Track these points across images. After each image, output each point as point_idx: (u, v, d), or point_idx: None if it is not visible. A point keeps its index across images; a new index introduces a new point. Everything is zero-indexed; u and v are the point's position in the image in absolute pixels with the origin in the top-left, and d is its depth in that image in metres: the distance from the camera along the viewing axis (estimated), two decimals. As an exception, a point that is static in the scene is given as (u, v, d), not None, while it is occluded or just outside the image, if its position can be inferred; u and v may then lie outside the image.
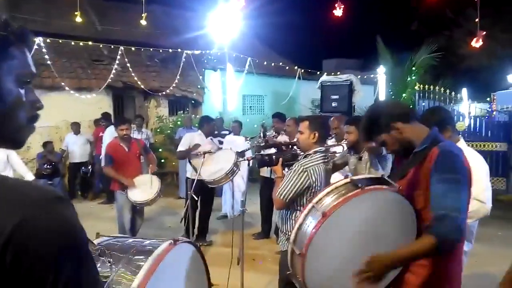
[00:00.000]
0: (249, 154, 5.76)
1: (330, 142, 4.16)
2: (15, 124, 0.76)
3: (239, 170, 4.62)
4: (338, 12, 6.62)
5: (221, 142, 6.16)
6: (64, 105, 8.75)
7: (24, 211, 0.61)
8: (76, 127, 8.46)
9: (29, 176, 5.36)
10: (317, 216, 1.62)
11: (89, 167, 8.45)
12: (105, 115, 8.50)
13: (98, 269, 1.14)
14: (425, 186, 1.68)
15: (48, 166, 7.75)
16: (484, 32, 7.92)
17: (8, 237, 0.59)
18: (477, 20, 7.98)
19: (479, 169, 2.44)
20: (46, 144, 7.92)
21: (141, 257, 1.21)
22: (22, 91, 0.77)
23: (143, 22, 7.35)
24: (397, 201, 1.70)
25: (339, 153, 3.77)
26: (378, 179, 1.80)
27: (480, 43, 7.80)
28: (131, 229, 4.82)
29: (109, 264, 1.20)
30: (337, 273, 1.66)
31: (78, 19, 7.58)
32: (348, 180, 1.73)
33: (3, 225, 0.60)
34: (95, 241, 1.34)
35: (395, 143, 1.82)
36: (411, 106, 2.05)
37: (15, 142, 0.79)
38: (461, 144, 2.60)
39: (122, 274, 1.16)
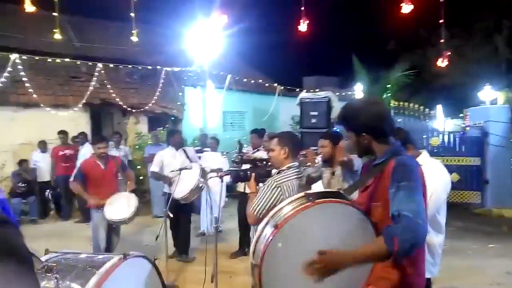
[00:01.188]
0: (224, 169, 5.78)
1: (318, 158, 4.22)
2: None
3: (205, 184, 4.64)
4: (303, 27, 6.76)
5: (199, 158, 6.16)
6: (41, 123, 8.60)
7: None
8: (43, 145, 8.23)
9: None
10: (271, 228, 1.68)
11: (57, 189, 8.19)
12: (82, 134, 8.38)
13: (45, 285, 1.13)
14: (384, 198, 1.71)
15: (22, 185, 7.57)
16: (449, 53, 8.25)
17: None
18: (442, 40, 8.30)
19: (437, 184, 2.52)
20: (21, 163, 7.74)
21: (91, 270, 1.20)
22: None
23: (134, 38, 7.39)
24: (351, 214, 1.73)
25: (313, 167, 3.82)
26: (333, 193, 1.85)
27: (446, 63, 8.10)
28: (107, 247, 4.71)
29: (56, 279, 1.18)
30: (295, 283, 1.69)
31: (57, 36, 7.53)
32: (302, 194, 1.76)
33: None
34: (43, 258, 1.32)
35: (358, 146, 1.88)
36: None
37: None
38: (424, 157, 2.70)
39: (70, 287, 1.14)
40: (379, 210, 1.74)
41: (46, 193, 8.20)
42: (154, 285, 1.50)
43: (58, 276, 1.18)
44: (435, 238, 2.62)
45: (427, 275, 2.16)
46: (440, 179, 2.62)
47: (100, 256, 1.34)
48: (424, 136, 8.98)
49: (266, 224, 1.73)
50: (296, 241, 1.68)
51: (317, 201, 1.66)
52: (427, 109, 9.96)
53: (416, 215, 1.55)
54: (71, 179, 4.83)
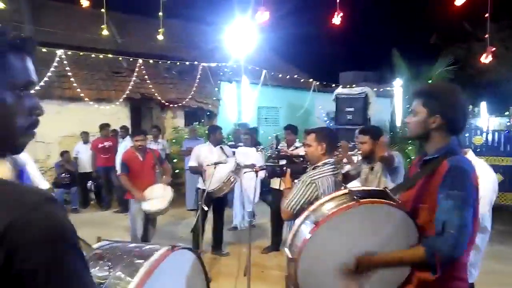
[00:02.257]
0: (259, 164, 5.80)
1: (354, 155, 4.17)
2: (10, 132, 0.79)
3: (238, 178, 4.68)
4: (337, 20, 6.60)
5: (233, 153, 6.22)
6: (84, 116, 8.99)
7: (14, 212, 0.65)
8: (85, 136, 8.56)
9: (44, 185, 5.49)
10: (311, 224, 1.66)
11: (99, 180, 8.51)
12: (124, 128, 8.69)
13: (96, 272, 1.20)
14: (431, 202, 1.64)
15: (66, 175, 7.95)
16: (494, 49, 7.79)
17: (3, 233, 0.63)
18: (486, 35, 7.86)
19: (486, 184, 2.41)
20: (63, 154, 8.11)
21: (139, 261, 1.25)
22: (18, 99, 0.80)
23: (160, 37, 7.55)
24: (396, 216, 1.67)
25: (352, 164, 3.78)
26: (379, 192, 1.78)
27: (490, 59, 7.67)
28: (143, 237, 4.89)
29: (107, 267, 1.24)
30: (329, 280, 1.68)
31: (105, 32, 7.82)
32: (346, 191, 1.73)
33: None
34: (96, 245, 1.39)
35: (421, 127, 1.73)
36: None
37: (11, 148, 0.82)
38: (470, 157, 2.58)
39: (120, 277, 1.20)
40: (425, 213, 1.68)
41: (88, 184, 8.54)
42: (198, 277, 1.55)
43: (110, 263, 1.24)
44: (477, 239, 2.52)
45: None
46: (489, 180, 2.52)
47: (148, 247, 1.40)
48: (467, 135, 8.61)
49: (305, 218, 1.72)
50: (335, 240, 1.66)
51: (362, 201, 1.62)
52: (470, 106, 9.53)
53: (461, 233, 1.54)
54: (118, 172, 5.02)
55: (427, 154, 1.77)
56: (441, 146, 1.70)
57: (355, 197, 1.63)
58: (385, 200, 1.68)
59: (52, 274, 0.67)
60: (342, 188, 1.95)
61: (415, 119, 1.75)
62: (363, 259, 1.59)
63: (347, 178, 3.37)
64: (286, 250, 1.75)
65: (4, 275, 0.63)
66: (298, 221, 1.76)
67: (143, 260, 1.26)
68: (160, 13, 7.29)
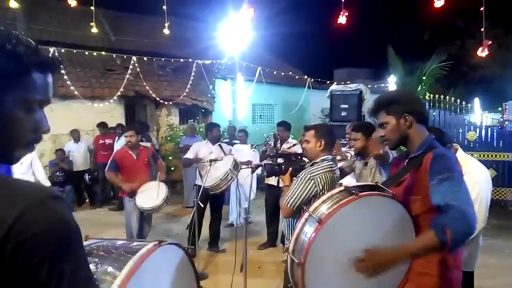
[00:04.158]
0: (256, 162, 5.79)
1: (344, 149, 4.18)
2: (11, 144, 0.81)
3: (236, 176, 4.68)
4: (342, 19, 6.62)
5: (230, 151, 6.22)
6: (77, 114, 8.95)
7: (22, 207, 0.67)
8: (76, 135, 8.48)
9: (46, 183, 5.48)
10: (314, 224, 1.63)
11: (95, 174, 8.46)
12: (120, 126, 8.64)
13: None
14: (422, 192, 1.69)
15: (60, 174, 7.90)
16: (490, 42, 7.82)
17: (8, 230, 0.65)
18: (482, 29, 7.92)
19: (479, 176, 2.44)
20: (57, 152, 8.05)
21: (126, 256, 1.26)
22: (28, 115, 0.81)
23: (166, 31, 7.55)
24: (393, 207, 1.71)
25: (346, 160, 3.79)
26: (372, 186, 1.80)
27: (486, 52, 7.71)
28: (138, 235, 4.88)
29: (95, 263, 1.25)
30: (338, 280, 1.67)
31: (94, 29, 7.77)
32: (342, 188, 1.74)
33: (3, 219, 0.65)
34: (84, 243, 1.40)
35: (396, 132, 1.82)
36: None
37: (5, 160, 0.83)
38: (459, 154, 2.62)
39: (107, 272, 1.21)
40: (418, 203, 1.72)
41: (85, 176, 8.46)
42: (187, 272, 1.55)
43: (97, 260, 1.25)
44: None
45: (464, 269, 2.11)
46: (483, 173, 2.55)
47: (135, 243, 1.41)
48: (460, 131, 8.67)
49: (306, 220, 1.70)
50: (341, 236, 1.65)
51: (360, 194, 1.63)
52: (463, 103, 9.57)
53: (464, 204, 1.53)
54: (106, 169, 5.01)
55: (408, 155, 1.86)
56: (422, 142, 1.79)
57: (352, 191, 1.64)
58: (380, 192, 1.70)
59: (57, 268, 0.68)
60: (337, 185, 1.96)
61: (388, 129, 1.84)
62: (376, 253, 1.53)
63: (341, 173, 3.39)
64: (289, 255, 1.72)
65: (11, 268, 0.65)
66: (299, 224, 1.73)
67: (130, 255, 1.26)
68: (164, 7, 7.28)
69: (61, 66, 0.87)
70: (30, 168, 5.24)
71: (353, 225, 1.67)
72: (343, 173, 3.48)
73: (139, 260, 1.24)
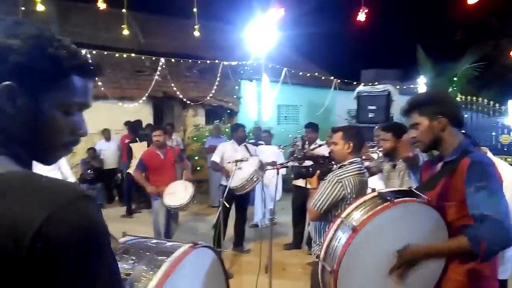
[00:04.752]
0: (279, 162, 5.79)
1: (373, 153, 4.13)
2: (49, 146, 0.83)
3: (261, 177, 4.69)
4: (362, 16, 6.51)
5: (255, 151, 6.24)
6: (108, 113, 9.18)
7: (52, 206, 0.66)
8: (107, 134, 8.73)
9: (71, 179, 5.64)
10: (347, 231, 1.60)
11: (119, 175, 8.65)
12: (150, 125, 8.82)
13: (122, 265, 1.23)
14: (458, 198, 1.65)
15: (91, 172, 8.15)
16: None
17: (37, 230, 0.63)
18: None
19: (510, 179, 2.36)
20: (89, 150, 8.32)
21: (162, 257, 1.28)
22: (67, 118, 0.83)
23: (196, 33, 7.69)
24: (428, 213, 1.67)
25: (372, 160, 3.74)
26: (406, 192, 1.76)
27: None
28: (165, 233, 4.98)
29: (132, 261, 1.28)
30: (371, 287, 1.65)
31: (126, 32, 7.98)
32: (375, 193, 1.70)
33: (32, 219, 0.64)
34: (121, 240, 1.43)
35: (429, 135, 1.78)
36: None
37: (43, 160, 0.86)
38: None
39: (143, 272, 1.24)
40: (453, 209, 1.68)
41: (117, 175, 8.68)
42: (218, 275, 1.57)
43: (134, 258, 1.28)
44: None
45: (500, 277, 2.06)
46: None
47: (170, 243, 1.43)
48: (494, 134, 8.38)
49: (338, 227, 1.68)
50: (374, 244, 1.63)
51: (396, 201, 1.59)
52: (497, 104, 9.24)
53: (502, 216, 1.51)
54: (134, 168, 5.13)
55: (441, 158, 1.82)
56: (456, 145, 1.74)
57: (388, 198, 1.60)
58: (416, 199, 1.67)
59: (84, 273, 0.67)
60: (369, 190, 1.92)
61: (420, 129, 1.80)
62: (406, 252, 1.60)
63: (368, 173, 3.33)
64: (320, 261, 1.70)
65: (39, 270, 0.64)
66: (331, 231, 1.70)
67: (165, 257, 1.29)
68: (195, 9, 7.41)
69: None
70: (57, 165, 5.35)
71: (388, 232, 1.64)
72: (370, 172, 3.42)
73: (175, 262, 1.26)
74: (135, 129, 8.14)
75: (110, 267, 0.73)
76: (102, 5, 6.92)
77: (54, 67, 0.79)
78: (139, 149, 7.70)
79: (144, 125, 8.97)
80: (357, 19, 6.80)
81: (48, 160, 0.86)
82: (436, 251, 1.63)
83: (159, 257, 1.29)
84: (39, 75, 0.77)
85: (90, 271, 0.68)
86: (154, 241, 1.45)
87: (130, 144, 7.88)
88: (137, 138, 7.91)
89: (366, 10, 6.45)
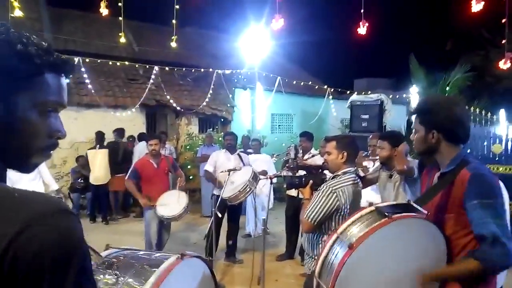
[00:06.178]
0: (272, 172, 5.77)
1: (367, 163, 4.11)
2: (26, 150, 0.77)
3: (255, 187, 4.66)
4: (362, 30, 6.57)
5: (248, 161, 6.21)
6: (100, 122, 9.12)
7: (25, 221, 0.63)
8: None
9: (54, 186, 5.45)
10: (343, 247, 1.56)
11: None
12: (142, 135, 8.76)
13: (105, 280, 1.19)
14: (456, 210, 1.63)
15: (81, 181, 8.03)
16: None
17: (7, 245, 0.61)
18: (504, 41, 7.75)
19: (504, 194, 2.36)
20: (78, 159, 8.20)
21: (149, 269, 1.25)
22: (43, 119, 0.78)
23: (173, 44, 7.65)
24: (427, 229, 1.64)
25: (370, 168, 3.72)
26: (405, 206, 1.72)
27: (508, 65, 7.54)
28: (157, 243, 4.90)
29: (116, 276, 1.24)
30: None
31: (122, 39, 7.94)
32: (373, 208, 1.66)
33: (3, 233, 0.61)
34: (104, 253, 1.39)
35: (424, 145, 1.77)
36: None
37: (22, 166, 0.80)
38: None
39: (130, 285, 1.20)
40: (452, 222, 1.67)
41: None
42: (208, 285, 1.53)
43: (118, 272, 1.24)
44: None
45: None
46: (505, 191, 2.46)
47: (157, 254, 1.40)
48: (485, 143, 8.42)
49: (334, 242, 1.64)
50: (371, 260, 1.59)
51: (394, 216, 1.56)
52: (489, 114, 9.32)
53: (508, 238, 1.54)
54: (126, 177, 5.06)
55: (438, 166, 1.80)
56: (453, 157, 1.71)
57: (386, 213, 1.57)
58: (414, 214, 1.64)
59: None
60: (364, 202, 1.89)
61: (417, 136, 1.80)
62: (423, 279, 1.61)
63: (365, 182, 3.30)
64: (315, 278, 1.66)
65: (9, 284, 0.61)
66: (326, 246, 1.66)
67: (153, 268, 1.25)
68: (174, 21, 7.37)
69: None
70: (38, 174, 5.20)
71: (385, 249, 1.61)
72: (367, 181, 3.40)
73: (163, 274, 1.23)
74: (101, 136, 8.09)
75: (85, 284, 0.69)
76: (104, 11, 6.84)
77: (25, 65, 0.74)
78: (94, 156, 7.71)
79: (132, 133, 8.91)
80: (351, 30, 6.84)
81: (24, 167, 0.80)
82: (450, 274, 1.65)
83: (147, 269, 1.25)
84: (9, 74, 0.73)
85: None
86: (141, 252, 1.41)
87: (88, 151, 7.89)
88: (98, 146, 7.89)
89: (367, 24, 6.48)
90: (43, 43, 0.78)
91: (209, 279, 1.53)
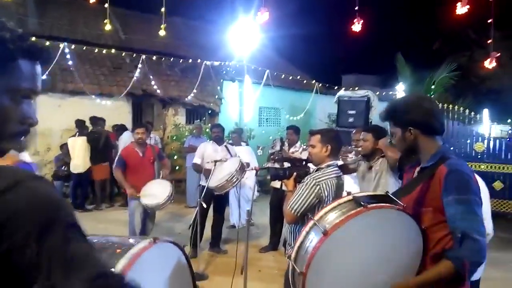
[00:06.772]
0: (254, 164, 5.77)
1: (350, 155, 4.15)
2: None
3: (241, 178, 4.66)
4: (357, 27, 6.60)
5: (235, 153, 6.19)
6: (85, 110, 8.97)
7: (3, 186, 0.65)
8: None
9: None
10: (319, 234, 1.58)
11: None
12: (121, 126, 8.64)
13: None
14: (434, 205, 1.66)
15: (65, 169, 7.92)
16: (498, 54, 7.81)
17: None
18: (489, 41, 7.89)
19: (484, 191, 2.40)
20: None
21: (121, 253, 1.24)
22: (15, 105, 0.78)
23: (162, 32, 7.56)
24: (403, 220, 1.65)
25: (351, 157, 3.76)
26: (382, 197, 1.73)
27: (494, 64, 7.68)
28: (141, 232, 4.88)
29: None
30: None
31: (108, 27, 7.80)
32: (350, 197, 1.67)
33: None
34: None
35: (403, 145, 1.80)
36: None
37: None
38: None
39: None
40: (429, 215, 1.69)
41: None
42: (183, 271, 1.52)
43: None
44: None
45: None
46: (483, 185, 2.51)
47: (131, 240, 1.39)
48: (468, 141, 8.58)
49: (311, 229, 1.64)
50: (346, 248, 1.61)
51: (369, 206, 1.57)
52: (472, 113, 9.48)
53: (482, 235, 1.55)
54: (114, 166, 5.02)
55: (419, 163, 1.83)
56: (434, 152, 1.74)
57: (362, 203, 1.58)
58: (390, 204, 1.65)
59: (45, 245, 0.65)
60: (345, 193, 1.91)
61: (396, 139, 1.84)
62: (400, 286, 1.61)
63: (346, 170, 3.36)
64: (291, 263, 1.68)
65: None
66: (303, 232, 1.67)
67: (124, 251, 1.24)
68: (163, 9, 7.28)
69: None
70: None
71: (360, 237, 1.62)
72: (348, 169, 3.49)
73: (134, 256, 1.22)
74: (81, 124, 8.00)
75: (76, 235, 0.71)
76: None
77: None
78: (74, 144, 7.65)
79: (117, 123, 8.81)
80: (352, 29, 6.86)
81: None
82: (425, 281, 1.62)
83: (117, 252, 1.24)
84: None
85: (51, 244, 0.65)
86: (116, 238, 1.40)
87: (68, 139, 7.83)
88: (77, 133, 7.80)
89: (362, 21, 6.50)
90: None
91: (185, 266, 1.52)
